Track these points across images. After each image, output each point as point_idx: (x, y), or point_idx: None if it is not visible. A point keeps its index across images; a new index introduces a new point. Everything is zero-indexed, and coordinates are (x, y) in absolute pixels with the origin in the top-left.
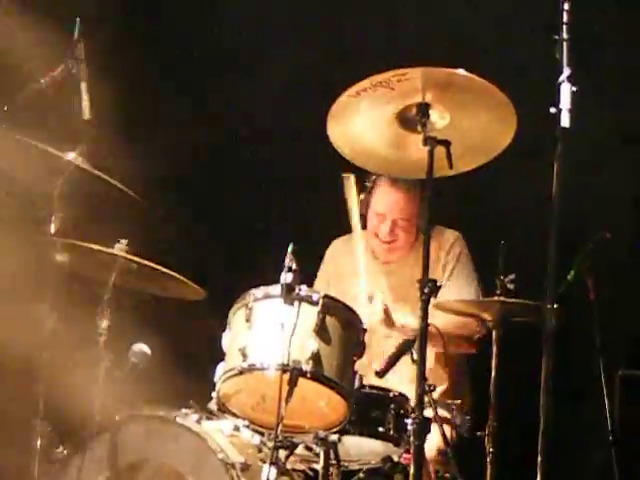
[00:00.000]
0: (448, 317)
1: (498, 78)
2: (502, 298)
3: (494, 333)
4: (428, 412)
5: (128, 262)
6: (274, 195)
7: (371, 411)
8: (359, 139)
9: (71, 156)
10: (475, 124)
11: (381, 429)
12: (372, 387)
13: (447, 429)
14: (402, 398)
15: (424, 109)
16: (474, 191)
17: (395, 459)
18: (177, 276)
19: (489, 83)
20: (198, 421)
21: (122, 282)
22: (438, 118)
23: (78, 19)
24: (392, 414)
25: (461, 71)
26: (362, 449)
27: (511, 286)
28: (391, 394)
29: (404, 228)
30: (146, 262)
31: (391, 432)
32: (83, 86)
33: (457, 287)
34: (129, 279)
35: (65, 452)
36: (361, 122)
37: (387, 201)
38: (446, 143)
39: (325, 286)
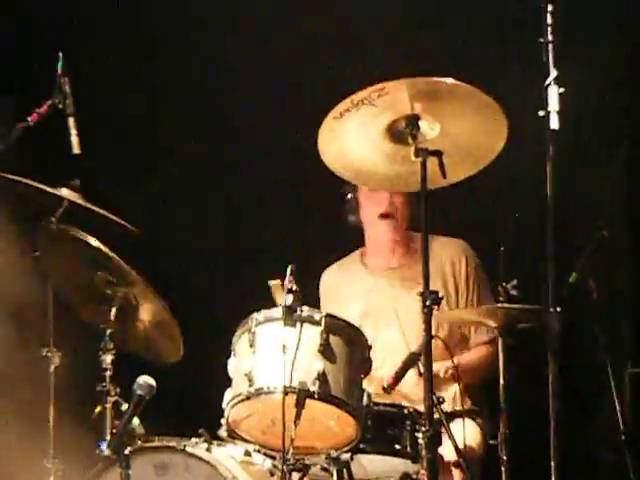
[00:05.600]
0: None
1: (485, 84)
2: (506, 305)
3: (500, 341)
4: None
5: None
6: (274, 214)
7: (387, 428)
8: (354, 159)
9: (64, 192)
10: (466, 131)
11: (397, 446)
12: (387, 404)
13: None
14: (417, 414)
15: (413, 120)
16: (469, 197)
17: (413, 475)
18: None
19: (474, 87)
20: (208, 449)
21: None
22: (428, 129)
23: (61, 54)
24: (407, 430)
25: (447, 79)
26: (379, 467)
27: (514, 292)
28: (405, 410)
29: (401, 203)
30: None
31: (407, 449)
32: (71, 121)
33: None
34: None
35: None
36: (352, 142)
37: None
38: (438, 153)
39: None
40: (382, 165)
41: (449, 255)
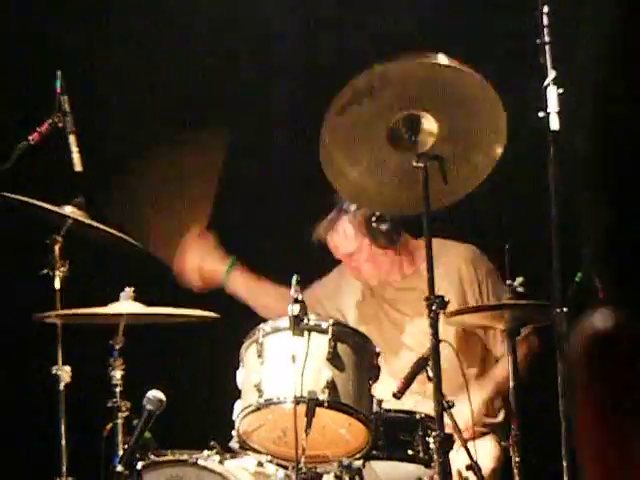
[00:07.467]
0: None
1: None
2: (512, 301)
3: (507, 341)
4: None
5: (137, 312)
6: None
7: (399, 434)
8: (357, 182)
9: (68, 210)
10: (467, 131)
11: (410, 452)
12: (398, 410)
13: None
14: (429, 419)
15: (414, 120)
16: (472, 196)
17: None
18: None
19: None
20: (220, 461)
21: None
22: (427, 134)
23: (59, 72)
24: (420, 435)
25: (442, 57)
26: (393, 473)
27: (521, 289)
28: (417, 416)
29: (352, 260)
30: (155, 311)
31: (420, 454)
32: (72, 139)
33: None
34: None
35: None
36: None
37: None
38: (439, 158)
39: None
40: (384, 188)
41: (462, 259)
